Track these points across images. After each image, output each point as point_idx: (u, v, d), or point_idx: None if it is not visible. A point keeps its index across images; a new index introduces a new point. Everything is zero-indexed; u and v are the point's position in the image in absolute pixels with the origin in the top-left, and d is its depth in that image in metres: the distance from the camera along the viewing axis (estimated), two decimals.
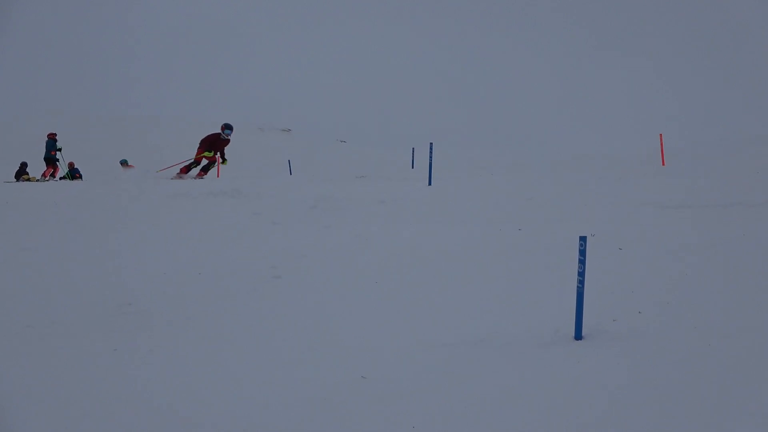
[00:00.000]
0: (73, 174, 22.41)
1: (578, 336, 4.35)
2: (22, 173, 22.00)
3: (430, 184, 13.28)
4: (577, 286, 4.35)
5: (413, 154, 22.06)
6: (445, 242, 7.41)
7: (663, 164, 17.36)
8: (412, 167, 21.10)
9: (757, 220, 8.25)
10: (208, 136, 18.22)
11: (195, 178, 17.11)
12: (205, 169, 18.04)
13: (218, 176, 18.16)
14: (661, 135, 18.99)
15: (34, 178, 20.82)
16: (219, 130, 17.97)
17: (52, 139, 20.98)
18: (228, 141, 18.13)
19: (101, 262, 7.41)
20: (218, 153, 18.03)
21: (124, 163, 25.56)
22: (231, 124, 18.19)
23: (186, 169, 18.13)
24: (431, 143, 14.38)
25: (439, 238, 7.60)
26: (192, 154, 19.12)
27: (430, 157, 13.91)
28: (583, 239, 4.44)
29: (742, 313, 4.68)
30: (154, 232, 8.88)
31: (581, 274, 4.36)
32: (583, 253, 4.38)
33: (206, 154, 17.83)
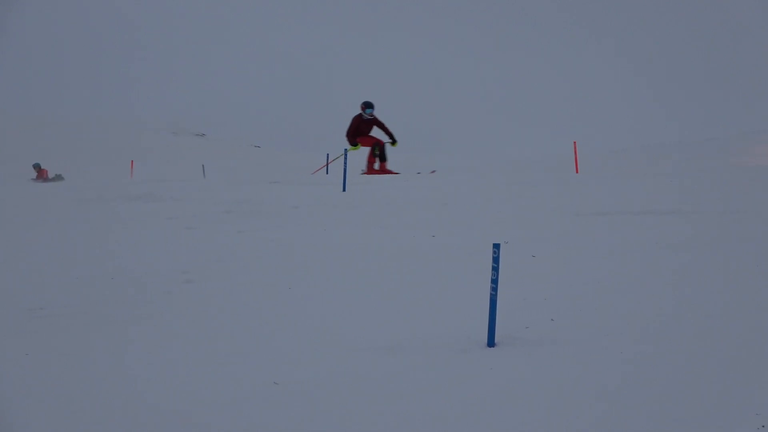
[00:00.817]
0: None
1: (491, 343, 4.35)
2: None
3: (344, 190, 13.48)
4: (491, 294, 4.35)
5: (327, 159, 22.43)
6: (359, 247, 7.45)
7: (576, 171, 17.78)
8: (327, 173, 21.42)
9: (667, 226, 8.50)
10: (351, 123, 16.75)
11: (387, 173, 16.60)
12: (381, 156, 16.80)
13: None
14: (575, 142, 19.45)
15: None
16: (359, 111, 16.61)
17: None
18: (374, 120, 16.57)
19: (13, 264, 7.23)
20: (370, 138, 16.58)
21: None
22: (371, 101, 16.57)
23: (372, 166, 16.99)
24: (345, 149, 14.95)
25: (353, 244, 7.65)
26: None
27: (345, 162, 14.20)
28: (496, 246, 4.45)
29: (656, 318, 4.77)
30: (68, 236, 8.76)
31: (494, 281, 4.36)
32: (496, 260, 4.39)
33: (352, 148, 15.93)
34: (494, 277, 4.36)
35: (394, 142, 16.45)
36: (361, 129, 16.37)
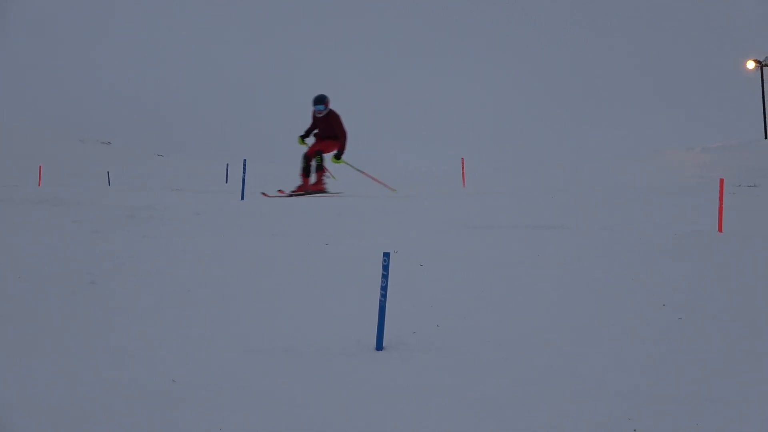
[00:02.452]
0: None
1: (379, 347, 4.44)
2: None
3: (242, 198, 13.52)
4: (380, 300, 4.45)
5: (227, 169, 22.57)
6: (256, 254, 7.44)
7: (464, 185, 18.12)
8: (226, 182, 21.35)
9: (549, 240, 8.78)
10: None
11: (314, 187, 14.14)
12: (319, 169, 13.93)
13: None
14: (462, 159, 19.92)
15: None
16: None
17: None
18: (321, 118, 13.67)
19: None
20: (313, 138, 13.87)
21: None
22: (323, 95, 13.51)
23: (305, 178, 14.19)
24: (245, 159, 14.96)
25: (251, 250, 7.63)
26: None
27: (244, 172, 14.27)
28: (386, 255, 4.56)
29: (537, 327, 4.95)
30: None
31: (384, 288, 4.46)
32: (386, 268, 4.49)
33: (300, 141, 14.01)
34: (383, 285, 4.46)
35: (338, 156, 13.77)
36: (315, 130, 13.78)
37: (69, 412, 3.57)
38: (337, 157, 13.98)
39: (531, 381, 3.94)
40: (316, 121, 13.87)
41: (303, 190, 14.21)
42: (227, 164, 23.44)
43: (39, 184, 13.28)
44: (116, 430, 3.39)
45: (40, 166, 24.58)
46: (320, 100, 13.63)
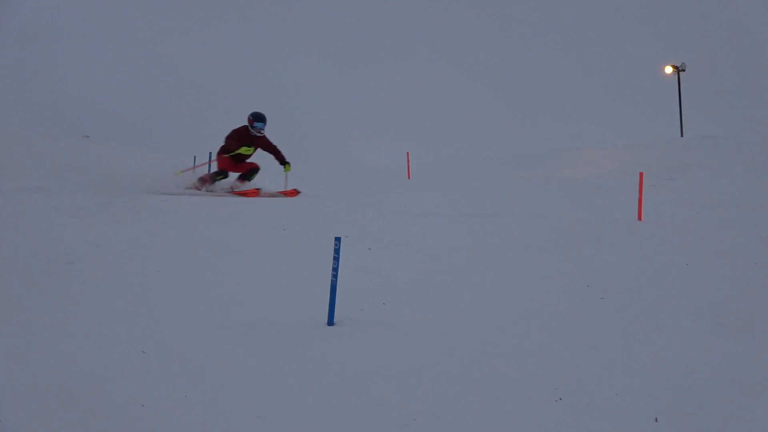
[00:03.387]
0: None
1: (331, 323, 4.51)
2: None
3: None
4: (331, 280, 4.52)
5: (194, 161, 22.71)
6: (220, 240, 7.44)
7: (408, 177, 18.18)
8: (193, 171, 21.44)
9: (487, 228, 8.92)
10: (233, 132, 11.45)
11: (195, 187, 11.53)
12: (212, 178, 11.50)
13: (287, 192, 11.84)
14: (408, 153, 20.02)
15: None
16: (245, 123, 11.40)
17: None
18: (261, 138, 11.41)
19: None
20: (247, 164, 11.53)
21: None
22: (262, 113, 11.31)
23: (209, 179, 11.58)
24: (210, 152, 14.96)
25: (215, 236, 7.64)
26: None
27: (209, 163, 14.30)
28: (337, 240, 4.63)
29: (473, 304, 5.05)
30: None
31: (335, 269, 4.53)
32: (337, 251, 4.56)
33: (224, 155, 11.44)
34: (335, 266, 4.53)
35: (287, 164, 11.69)
36: (242, 142, 11.33)
37: (43, 380, 3.59)
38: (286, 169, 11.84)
39: (465, 352, 4.06)
40: (252, 140, 11.42)
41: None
42: (195, 156, 23.63)
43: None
44: (89, 397, 3.42)
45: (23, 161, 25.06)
46: (264, 118, 11.42)
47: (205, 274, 6.05)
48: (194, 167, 12.35)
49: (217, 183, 11.42)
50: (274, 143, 11.76)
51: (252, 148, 11.42)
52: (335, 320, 4.54)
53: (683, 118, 35.25)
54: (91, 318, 4.73)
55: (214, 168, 12.21)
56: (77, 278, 5.86)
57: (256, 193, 11.14)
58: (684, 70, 37.60)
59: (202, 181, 11.41)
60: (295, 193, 11.31)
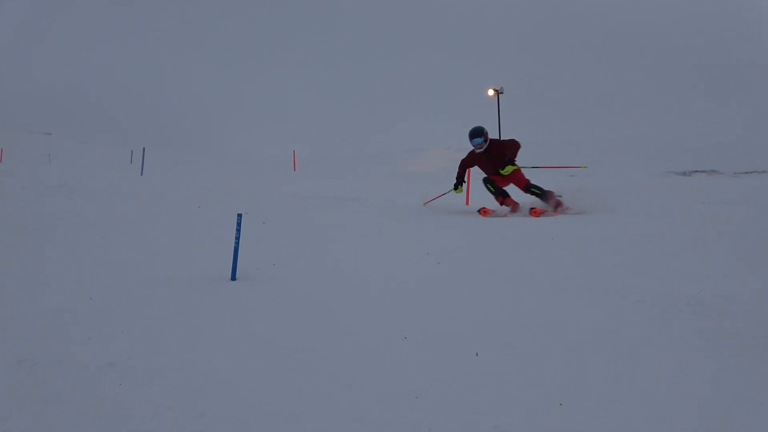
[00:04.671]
0: None
1: (233, 278, 4.59)
2: None
3: (141, 174, 13.81)
4: (234, 245, 4.59)
5: (131, 155, 22.43)
6: (149, 216, 7.35)
7: (294, 169, 18.18)
8: (130, 162, 21.02)
9: (351, 207, 9.18)
10: (460, 165, 8.61)
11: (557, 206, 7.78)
12: (503, 194, 8.08)
13: (467, 202, 9.86)
14: (294, 150, 19.99)
15: None
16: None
17: None
18: (483, 155, 8.11)
19: None
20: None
21: None
22: (473, 129, 8.02)
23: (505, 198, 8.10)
24: (144, 147, 15.24)
25: (147, 213, 7.56)
26: None
27: (143, 155, 14.69)
28: (239, 215, 4.73)
29: (344, 266, 5.20)
30: None
31: (237, 237, 4.61)
32: (239, 224, 4.65)
33: (456, 191, 8.70)
34: (237, 235, 4.61)
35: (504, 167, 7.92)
36: (471, 164, 8.40)
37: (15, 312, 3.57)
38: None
39: (339, 299, 4.18)
40: (478, 158, 8.22)
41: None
42: (131, 151, 23.34)
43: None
44: (44, 328, 3.40)
45: (1, 149, 24.43)
46: (481, 132, 8.05)
47: (138, 241, 5.98)
48: (440, 196, 9.17)
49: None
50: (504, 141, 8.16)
51: (459, 188, 8.61)
52: (237, 276, 4.62)
53: (501, 127, 36.67)
54: (55, 269, 4.71)
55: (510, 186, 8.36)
56: (41, 241, 5.77)
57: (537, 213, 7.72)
58: (502, 93, 38.48)
59: (556, 203, 7.77)
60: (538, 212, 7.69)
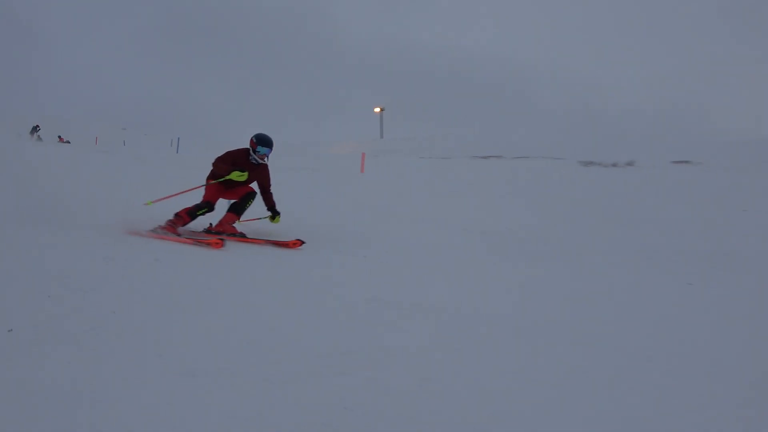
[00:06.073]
0: None
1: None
2: None
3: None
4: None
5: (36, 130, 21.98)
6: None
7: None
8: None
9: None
10: (227, 154, 5.85)
11: (166, 228, 5.31)
12: (192, 213, 5.47)
13: (290, 243, 5.53)
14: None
15: None
16: (247, 145, 5.91)
17: None
18: (262, 166, 5.86)
19: None
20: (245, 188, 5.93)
21: None
22: (269, 138, 5.85)
23: (186, 215, 5.48)
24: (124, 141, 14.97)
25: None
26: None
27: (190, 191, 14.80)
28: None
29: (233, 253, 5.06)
30: None
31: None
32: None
33: (236, 176, 5.69)
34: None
35: (277, 215, 6.00)
36: (238, 167, 5.81)
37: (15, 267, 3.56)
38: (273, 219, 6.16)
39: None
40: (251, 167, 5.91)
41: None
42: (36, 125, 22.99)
43: None
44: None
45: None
46: (271, 143, 5.93)
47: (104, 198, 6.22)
48: (170, 196, 6.07)
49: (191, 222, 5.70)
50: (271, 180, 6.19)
51: (245, 174, 5.83)
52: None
53: (383, 128, 42.57)
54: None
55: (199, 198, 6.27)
56: None
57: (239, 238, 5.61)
58: (384, 109, 51.85)
59: (178, 218, 5.54)
60: (298, 243, 5.53)
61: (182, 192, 5.95)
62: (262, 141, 5.76)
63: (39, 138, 24.12)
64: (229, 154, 5.85)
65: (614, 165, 16.50)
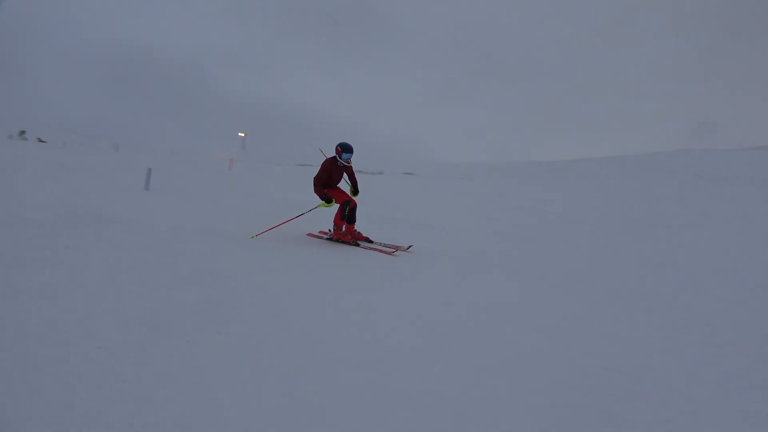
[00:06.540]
0: None
1: (147, 189, 8.51)
2: None
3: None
4: (148, 171, 8.72)
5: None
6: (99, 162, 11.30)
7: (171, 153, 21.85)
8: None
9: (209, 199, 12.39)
10: (321, 169, 7.16)
11: (335, 237, 7.15)
12: (349, 218, 7.15)
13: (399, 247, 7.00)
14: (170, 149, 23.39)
15: None
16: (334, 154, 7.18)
17: None
18: (349, 168, 7.30)
19: None
20: (341, 193, 7.24)
21: None
22: (350, 145, 7.13)
23: (340, 222, 7.25)
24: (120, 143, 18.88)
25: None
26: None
27: (287, 222, 17.93)
28: (149, 169, 9.68)
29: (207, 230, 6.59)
30: None
31: (149, 170, 9.06)
32: (149, 173, 9.26)
33: (323, 204, 7.03)
34: (149, 169, 9.18)
35: (356, 192, 7.34)
36: (334, 178, 7.24)
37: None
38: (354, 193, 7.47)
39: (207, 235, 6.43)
40: (340, 170, 7.19)
41: (355, 236, 7.29)
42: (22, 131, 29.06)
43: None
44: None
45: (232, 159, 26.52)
46: (352, 149, 7.22)
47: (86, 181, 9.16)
48: (274, 227, 7.00)
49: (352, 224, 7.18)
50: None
51: (331, 204, 6.89)
52: (149, 188, 8.46)
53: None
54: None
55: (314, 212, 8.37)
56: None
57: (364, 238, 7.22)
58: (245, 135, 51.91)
59: (337, 227, 7.21)
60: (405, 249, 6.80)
61: (284, 222, 7.18)
62: (346, 148, 7.06)
63: (25, 139, 29.51)
64: (323, 168, 7.06)
65: None
